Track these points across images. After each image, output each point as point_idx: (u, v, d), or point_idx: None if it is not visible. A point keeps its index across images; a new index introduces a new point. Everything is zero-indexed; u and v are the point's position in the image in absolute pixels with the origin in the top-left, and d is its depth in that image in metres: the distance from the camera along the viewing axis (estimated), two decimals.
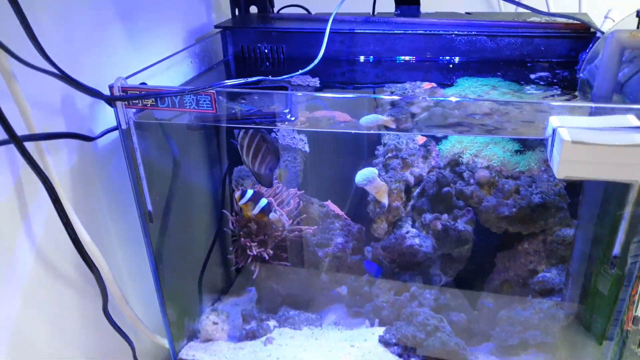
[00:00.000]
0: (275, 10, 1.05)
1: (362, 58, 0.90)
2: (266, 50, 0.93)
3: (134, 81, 0.66)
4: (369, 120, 0.66)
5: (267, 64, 0.93)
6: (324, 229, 0.84)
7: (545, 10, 1.01)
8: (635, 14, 0.70)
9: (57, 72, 0.53)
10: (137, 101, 0.62)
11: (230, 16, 1.02)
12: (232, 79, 0.63)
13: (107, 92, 0.63)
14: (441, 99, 0.62)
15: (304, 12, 1.05)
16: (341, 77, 0.90)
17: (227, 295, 1.01)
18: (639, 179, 0.51)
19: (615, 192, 0.62)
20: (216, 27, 0.94)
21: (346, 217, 0.85)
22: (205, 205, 0.91)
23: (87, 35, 0.67)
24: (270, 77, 0.70)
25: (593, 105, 0.54)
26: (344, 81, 0.88)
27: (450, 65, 0.86)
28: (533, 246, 0.77)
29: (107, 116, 0.70)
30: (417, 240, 0.77)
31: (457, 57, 0.86)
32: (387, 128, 0.66)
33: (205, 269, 0.90)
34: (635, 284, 0.61)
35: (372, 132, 0.67)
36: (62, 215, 0.57)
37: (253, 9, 1.03)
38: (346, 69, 0.90)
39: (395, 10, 0.94)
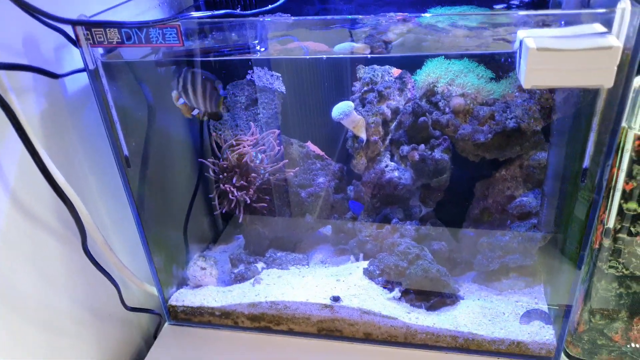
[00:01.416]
0: None
1: None
2: None
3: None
4: (343, 48, 0.66)
5: (239, 6, 0.91)
6: (305, 169, 0.84)
7: None
8: None
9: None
10: (102, 39, 0.61)
11: None
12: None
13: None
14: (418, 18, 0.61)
15: None
16: (314, 12, 0.88)
17: (216, 244, 1.02)
18: (604, 84, 0.51)
19: (584, 103, 0.62)
20: None
21: (326, 157, 0.85)
22: (185, 150, 0.91)
23: None
24: (238, 11, 0.69)
25: (558, 12, 0.54)
26: (315, 14, 0.87)
27: None
28: (510, 172, 0.78)
29: (74, 60, 0.68)
30: (396, 173, 0.78)
31: None
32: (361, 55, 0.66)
33: (189, 216, 0.90)
34: (604, 200, 0.62)
35: (343, 56, 0.67)
36: (29, 147, 0.57)
37: None
38: (319, 8, 0.89)
39: None
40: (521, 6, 0.78)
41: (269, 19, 0.65)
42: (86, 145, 0.73)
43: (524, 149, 0.76)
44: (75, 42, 0.62)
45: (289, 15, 0.81)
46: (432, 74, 0.75)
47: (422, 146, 0.75)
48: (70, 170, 0.69)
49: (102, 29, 0.60)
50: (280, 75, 0.86)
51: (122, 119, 0.70)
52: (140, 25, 0.58)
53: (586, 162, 0.61)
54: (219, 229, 1.06)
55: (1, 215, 0.60)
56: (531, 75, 0.51)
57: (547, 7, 0.78)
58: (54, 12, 0.65)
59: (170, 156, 0.87)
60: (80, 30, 0.61)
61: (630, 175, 0.60)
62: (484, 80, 0.75)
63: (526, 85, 0.52)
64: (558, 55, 0.50)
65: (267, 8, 0.73)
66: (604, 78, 0.51)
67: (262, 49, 0.64)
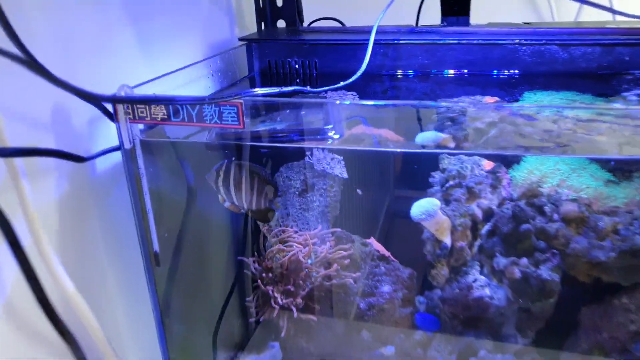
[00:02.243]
0: (306, 25, 0.94)
1: (406, 73, 0.78)
2: (297, 66, 0.81)
3: (141, 90, 0.53)
4: (427, 139, 0.53)
5: (298, 80, 0.81)
6: (366, 274, 0.69)
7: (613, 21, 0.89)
8: None
9: (28, 58, 0.40)
10: (144, 113, 0.49)
11: (255, 31, 0.92)
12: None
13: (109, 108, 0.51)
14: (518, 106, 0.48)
15: (338, 25, 0.94)
16: (383, 95, 0.77)
17: (245, 351, 0.85)
18: None
19: None
20: (241, 39, 0.83)
21: (394, 259, 0.70)
22: (224, 241, 0.77)
23: (89, 38, 0.55)
24: (308, 88, 0.57)
25: None
26: (387, 99, 0.76)
27: (512, 80, 0.73)
28: (635, 301, 0.61)
29: (110, 136, 0.57)
30: (486, 291, 0.62)
31: (519, 70, 0.73)
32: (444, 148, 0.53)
33: (221, 321, 0.75)
34: None
35: (428, 151, 0.54)
36: (23, 263, 0.43)
37: (281, 24, 0.93)
38: (389, 85, 0.78)
39: (442, 22, 0.83)
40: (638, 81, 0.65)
41: (348, 102, 0.53)
42: (109, 235, 0.60)
43: None
44: (112, 117, 0.51)
45: (354, 93, 0.70)
46: (535, 170, 0.61)
47: (525, 260, 0.60)
48: (84, 264, 0.56)
49: (145, 105, 0.49)
50: (342, 158, 0.73)
51: (156, 207, 0.58)
52: (195, 102, 0.46)
53: None
54: (250, 330, 0.90)
55: None
56: None
57: None
58: (92, 76, 0.55)
59: (206, 249, 0.73)
60: (120, 105, 0.50)
61: None
62: (602, 183, 0.60)
63: None
64: None
65: (338, 85, 0.62)
66: None
67: (337, 136, 0.52)
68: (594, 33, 0.72)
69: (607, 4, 0.92)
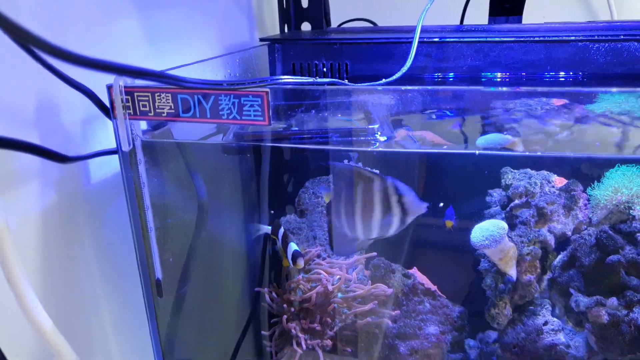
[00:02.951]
0: (335, 26, 0.86)
1: (454, 75, 0.68)
2: (325, 69, 0.72)
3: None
4: (491, 141, 0.43)
5: (327, 84, 0.71)
6: (408, 311, 0.57)
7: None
8: None
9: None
10: (146, 107, 0.39)
11: (278, 31, 0.83)
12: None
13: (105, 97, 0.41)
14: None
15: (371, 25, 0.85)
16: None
17: None
18: None
19: None
20: (262, 39, 0.74)
21: (441, 294, 0.58)
22: (239, 268, 0.66)
23: (89, 27, 0.46)
24: (346, 82, 0.47)
25: None
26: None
27: (582, 80, 0.63)
28: None
29: (108, 139, 0.47)
30: (561, 337, 0.50)
31: (591, 72, 0.63)
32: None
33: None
34: None
35: (490, 152, 0.44)
36: None
37: (306, 27, 0.84)
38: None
39: (490, 21, 0.73)
40: None
41: (405, 87, 0.43)
42: (103, 258, 0.50)
43: None
44: (109, 112, 0.41)
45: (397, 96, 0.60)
46: (623, 189, 0.50)
47: (614, 300, 0.48)
48: (71, 291, 0.46)
49: (148, 93, 0.39)
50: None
51: (160, 225, 0.47)
52: (208, 89, 0.36)
53: None
54: None
55: None
56: None
57: None
58: (90, 73, 0.45)
59: (218, 277, 0.63)
60: (118, 93, 0.40)
61: None
62: None
63: None
64: None
65: (381, 82, 0.52)
66: None
67: (384, 138, 0.42)
68: None
69: None
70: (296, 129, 0.41)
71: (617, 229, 0.50)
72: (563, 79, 0.64)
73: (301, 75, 0.72)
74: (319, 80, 0.41)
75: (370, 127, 0.41)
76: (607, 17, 0.88)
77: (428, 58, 0.68)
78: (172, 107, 0.39)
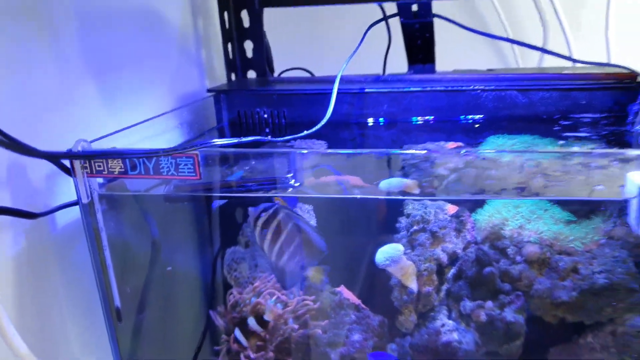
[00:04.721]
0: (276, 74, 0.97)
1: (374, 120, 0.80)
2: (266, 115, 0.83)
3: (102, 143, 0.54)
4: (391, 185, 0.54)
5: (267, 130, 0.82)
6: (336, 323, 0.68)
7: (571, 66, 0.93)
8: None
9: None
10: (101, 167, 0.49)
11: (226, 79, 0.94)
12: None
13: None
14: (480, 151, 0.49)
15: (307, 75, 0.97)
16: (351, 142, 0.78)
17: None
18: None
19: None
20: (209, 90, 0.84)
21: (364, 306, 0.69)
22: (192, 294, 0.75)
23: (50, 94, 0.56)
24: (269, 138, 0.58)
25: None
26: (355, 146, 0.77)
27: (476, 125, 0.76)
28: (600, 340, 0.61)
29: (70, 191, 0.57)
30: (455, 335, 0.61)
31: (483, 116, 0.76)
32: (409, 194, 0.54)
33: None
34: None
35: (392, 197, 0.55)
36: None
37: (251, 74, 0.95)
38: (357, 133, 0.79)
39: (409, 70, 0.86)
40: (596, 130, 0.67)
41: (305, 151, 0.54)
42: (70, 291, 0.59)
43: (618, 311, 0.59)
44: (70, 171, 0.51)
45: (324, 142, 0.72)
46: (496, 214, 0.62)
47: (490, 303, 0.60)
48: (44, 322, 0.55)
49: (103, 158, 0.49)
50: (311, 207, 0.74)
51: (117, 261, 0.57)
52: (149, 155, 0.47)
53: None
54: None
55: None
56: None
57: (625, 127, 0.67)
58: (52, 131, 0.55)
59: (173, 303, 0.72)
60: (77, 160, 0.50)
61: None
62: (563, 225, 0.61)
63: None
64: None
65: (302, 134, 0.63)
66: None
67: (297, 184, 0.53)
68: (551, 78, 0.75)
69: (565, 51, 0.97)
70: (225, 179, 0.51)
71: (494, 245, 0.62)
72: (462, 122, 0.77)
73: (245, 122, 0.83)
74: (244, 139, 0.51)
75: (285, 176, 0.52)
76: (513, 62, 1.03)
77: (351, 106, 0.80)
78: (122, 167, 0.49)
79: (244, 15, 0.91)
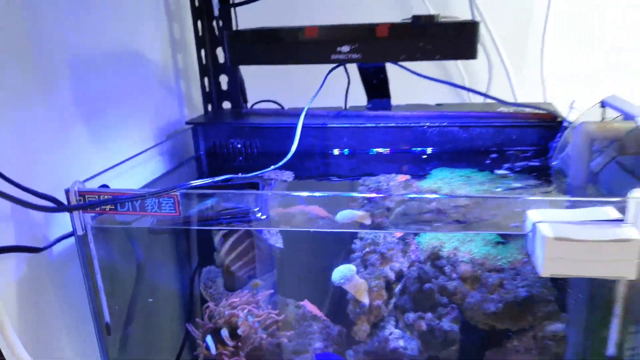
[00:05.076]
0: (249, 105, 1.06)
1: (336, 151, 0.90)
2: (239, 145, 0.92)
3: (96, 182, 0.63)
4: (345, 217, 0.64)
5: (240, 158, 0.91)
6: (300, 333, 0.77)
7: (512, 100, 1.05)
8: (599, 104, 0.72)
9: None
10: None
11: (203, 109, 1.03)
12: (201, 177, 0.61)
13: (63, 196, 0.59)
14: (416, 195, 0.59)
15: (277, 107, 1.06)
16: (315, 170, 0.88)
17: None
18: (626, 276, 0.48)
19: (602, 285, 0.58)
20: (187, 123, 0.93)
21: (325, 318, 0.79)
22: (172, 311, 0.84)
23: (45, 138, 0.64)
24: (240, 175, 0.68)
25: (572, 199, 0.52)
26: (319, 174, 0.87)
27: (424, 156, 0.86)
28: (523, 343, 0.71)
29: (64, 220, 0.65)
30: (401, 343, 0.71)
31: (430, 148, 0.87)
32: (362, 224, 0.64)
33: None
34: None
35: (346, 230, 0.64)
36: None
37: (227, 105, 1.04)
38: (320, 163, 0.89)
39: (368, 103, 0.96)
40: (523, 163, 0.79)
41: (270, 193, 0.64)
42: (65, 309, 0.67)
43: (537, 319, 0.70)
44: (66, 207, 0.59)
45: (292, 172, 0.81)
46: (435, 238, 0.73)
47: (430, 314, 0.70)
48: (43, 338, 0.63)
49: (96, 195, 0.58)
50: (278, 231, 0.83)
51: (108, 282, 0.66)
52: (137, 197, 0.56)
53: (610, 349, 0.55)
54: None
55: None
56: (549, 264, 0.48)
57: (548, 161, 0.78)
58: (50, 176, 0.63)
59: (156, 317, 0.80)
60: (73, 195, 0.59)
61: None
62: (492, 246, 0.72)
63: (544, 274, 0.49)
64: (577, 246, 0.47)
65: (270, 169, 0.73)
66: (625, 270, 0.48)
67: (263, 217, 0.62)
68: (487, 117, 0.86)
69: (508, 87, 1.08)
70: (199, 213, 0.60)
71: (434, 264, 0.73)
72: (413, 153, 0.87)
73: (220, 152, 0.92)
74: (216, 179, 0.60)
75: (253, 209, 0.62)
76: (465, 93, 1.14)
77: (316, 138, 0.90)
78: (113, 206, 0.58)
79: (219, 51, 1.00)
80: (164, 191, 0.56)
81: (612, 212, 0.51)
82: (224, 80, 1.02)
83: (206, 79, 1.02)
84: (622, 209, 0.50)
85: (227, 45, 0.67)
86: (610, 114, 0.68)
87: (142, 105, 0.89)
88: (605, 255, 0.47)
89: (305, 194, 0.57)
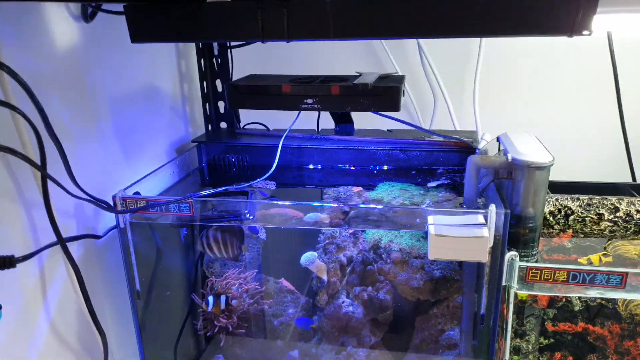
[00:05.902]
0: (242, 125, 1.32)
1: (310, 166, 1.16)
2: (233, 159, 1.18)
3: (130, 190, 0.89)
4: (311, 217, 0.90)
5: (234, 169, 1.18)
6: (278, 302, 1.04)
7: (452, 127, 1.32)
8: (496, 139, 1.00)
9: (89, 198, 0.76)
10: (133, 206, 0.84)
11: (204, 128, 1.29)
12: (204, 185, 0.87)
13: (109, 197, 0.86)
14: (363, 206, 0.86)
15: (264, 128, 1.32)
16: (293, 180, 1.15)
17: None
18: (482, 260, 0.75)
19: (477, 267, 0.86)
20: (193, 141, 1.19)
21: (296, 291, 1.06)
22: (182, 282, 1.11)
23: (99, 163, 0.90)
24: (234, 186, 0.94)
25: (453, 210, 0.80)
26: (295, 183, 1.14)
27: (375, 172, 1.13)
28: (440, 310, 0.99)
29: (106, 215, 0.91)
30: (350, 309, 0.98)
31: (379, 166, 1.14)
32: (324, 223, 0.90)
33: (179, 338, 1.07)
34: (499, 334, 0.84)
35: (312, 228, 0.91)
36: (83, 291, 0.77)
37: (223, 124, 1.30)
38: (296, 174, 1.16)
39: (335, 127, 1.22)
40: (446, 180, 1.06)
41: (256, 201, 0.90)
42: (106, 279, 0.93)
43: (449, 292, 0.98)
44: (113, 208, 0.85)
45: (274, 182, 1.08)
46: (377, 232, 1.00)
47: (370, 288, 0.97)
48: (97, 300, 0.89)
49: (134, 200, 0.84)
50: (262, 227, 1.10)
51: (138, 261, 0.92)
52: (167, 203, 0.82)
53: (482, 310, 0.83)
54: (202, 348, 1.22)
55: (41, 340, 0.78)
56: (433, 251, 0.76)
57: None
58: (100, 183, 0.89)
59: (171, 288, 1.07)
60: (119, 200, 0.85)
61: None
62: (416, 239, 0.99)
63: (430, 257, 0.76)
64: (450, 240, 0.75)
65: (256, 181, 0.99)
66: (481, 256, 0.75)
67: (251, 217, 0.89)
68: (421, 143, 1.13)
69: (448, 117, 1.36)
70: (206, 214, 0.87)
71: (376, 252, 1.00)
72: (367, 169, 1.14)
73: (218, 164, 1.18)
74: (219, 189, 0.87)
75: (244, 212, 0.88)
76: (416, 116, 1.41)
77: (293, 156, 1.16)
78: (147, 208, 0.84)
79: (218, 82, 1.26)
80: (183, 199, 0.82)
81: (480, 218, 0.78)
82: (221, 105, 1.28)
83: (207, 104, 1.27)
84: (486, 216, 0.78)
85: (227, 95, 0.93)
86: (501, 147, 0.96)
87: (157, 126, 1.14)
88: (467, 247, 0.74)
89: (280, 202, 0.84)
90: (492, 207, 0.76)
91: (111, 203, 0.85)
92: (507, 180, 0.85)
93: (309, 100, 0.87)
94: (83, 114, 0.87)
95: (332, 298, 1.01)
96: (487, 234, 0.75)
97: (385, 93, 0.85)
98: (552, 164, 0.81)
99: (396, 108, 0.85)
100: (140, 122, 1.06)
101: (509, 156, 0.85)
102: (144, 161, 1.05)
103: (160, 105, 1.16)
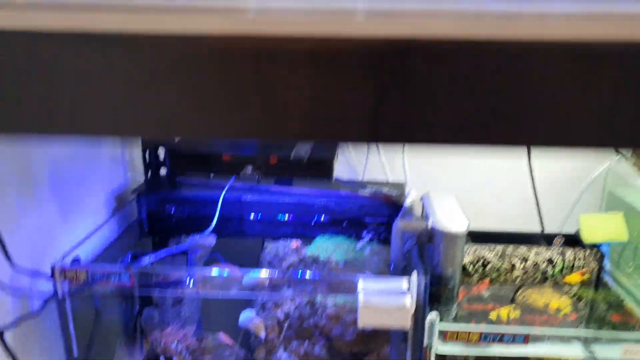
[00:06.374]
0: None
1: (251, 216, 1.20)
2: (172, 211, 1.20)
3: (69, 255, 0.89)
4: (250, 278, 0.95)
5: (174, 220, 1.20)
6: (216, 355, 1.07)
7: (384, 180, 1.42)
8: (420, 198, 1.09)
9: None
10: (73, 277, 0.85)
11: (144, 173, 1.29)
12: (144, 239, 0.89)
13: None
14: (298, 279, 0.92)
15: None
16: (233, 230, 1.19)
17: None
18: (405, 326, 0.83)
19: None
20: (132, 192, 1.20)
21: (235, 344, 1.09)
22: (121, 342, 1.11)
23: (34, 227, 0.90)
24: (175, 247, 0.97)
25: (379, 276, 0.87)
26: (236, 234, 1.18)
27: (312, 223, 1.19)
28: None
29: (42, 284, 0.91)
30: None
31: (316, 217, 1.20)
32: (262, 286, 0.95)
33: None
34: None
35: (251, 292, 0.95)
36: None
37: (163, 171, 1.31)
38: (237, 226, 1.20)
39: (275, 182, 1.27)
40: (375, 232, 1.14)
41: (196, 268, 0.93)
42: (45, 343, 0.93)
43: (378, 344, 1.06)
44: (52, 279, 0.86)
45: (215, 235, 1.11)
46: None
47: (306, 343, 1.03)
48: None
49: (74, 271, 0.85)
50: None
51: (76, 325, 0.92)
52: (109, 273, 0.84)
53: None
54: None
55: None
56: (362, 319, 0.83)
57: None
58: (34, 251, 0.89)
59: (110, 347, 1.07)
60: (57, 273, 0.85)
61: None
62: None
63: (360, 325, 0.83)
64: (376, 310, 0.82)
65: (199, 236, 1.02)
66: (404, 323, 0.83)
67: (191, 282, 0.92)
68: (353, 197, 1.21)
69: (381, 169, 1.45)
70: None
71: (312, 308, 1.06)
72: (305, 220, 1.20)
73: (158, 216, 1.20)
74: (160, 256, 0.89)
75: (185, 279, 0.91)
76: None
77: (234, 207, 1.20)
78: (87, 277, 0.85)
79: None
80: (124, 269, 0.84)
81: (404, 284, 0.86)
82: (161, 151, 1.29)
83: (147, 152, 1.28)
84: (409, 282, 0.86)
85: (168, 161, 0.96)
86: (424, 209, 1.05)
87: (97, 177, 1.14)
88: (392, 315, 0.82)
89: (219, 267, 0.88)
90: (414, 276, 0.85)
91: (48, 271, 0.85)
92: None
93: (249, 168, 0.92)
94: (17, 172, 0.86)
95: (270, 353, 1.06)
96: (409, 303, 0.83)
97: (319, 166, 0.92)
98: (467, 231, 0.91)
99: (329, 178, 0.92)
100: (79, 171, 1.06)
101: (430, 222, 0.94)
102: (84, 213, 1.05)
103: (98, 153, 1.16)
